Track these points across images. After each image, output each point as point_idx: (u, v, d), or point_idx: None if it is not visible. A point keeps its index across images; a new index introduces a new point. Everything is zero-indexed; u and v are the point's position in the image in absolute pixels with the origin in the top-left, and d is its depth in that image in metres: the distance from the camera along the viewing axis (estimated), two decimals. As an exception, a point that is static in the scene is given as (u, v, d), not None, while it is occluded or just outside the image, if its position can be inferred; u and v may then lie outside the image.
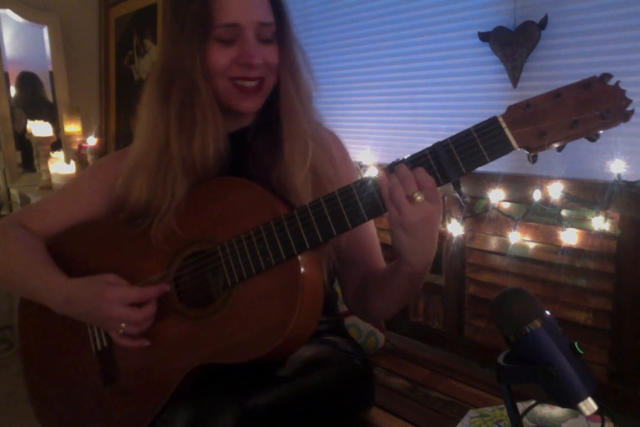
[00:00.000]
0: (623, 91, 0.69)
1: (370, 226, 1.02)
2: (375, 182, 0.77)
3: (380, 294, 0.93)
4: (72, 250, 1.03)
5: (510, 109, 0.72)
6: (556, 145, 0.72)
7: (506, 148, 0.72)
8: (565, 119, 0.70)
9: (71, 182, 1.14)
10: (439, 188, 0.76)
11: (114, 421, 0.93)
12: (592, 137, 0.71)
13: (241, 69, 0.88)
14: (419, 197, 0.74)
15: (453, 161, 0.73)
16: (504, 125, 0.71)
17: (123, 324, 0.87)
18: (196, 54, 0.85)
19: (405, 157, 0.77)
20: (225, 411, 0.78)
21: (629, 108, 0.69)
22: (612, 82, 0.70)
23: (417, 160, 0.76)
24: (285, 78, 0.92)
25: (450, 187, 0.75)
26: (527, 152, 0.73)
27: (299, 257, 0.82)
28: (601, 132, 0.71)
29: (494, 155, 0.72)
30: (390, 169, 0.77)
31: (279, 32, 0.90)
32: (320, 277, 0.85)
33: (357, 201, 0.78)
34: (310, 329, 0.84)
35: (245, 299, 0.84)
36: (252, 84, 0.90)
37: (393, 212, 0.76)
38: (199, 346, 0.86)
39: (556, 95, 0.71)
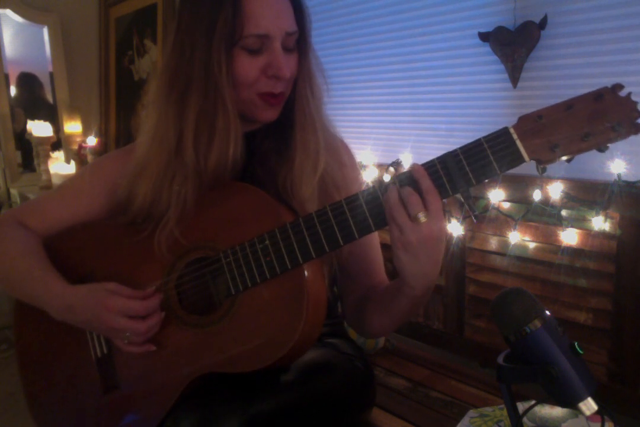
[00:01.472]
0: (635, 103, 0.68)
1: (374, 238, 0.99)
2: (383, 191, 0.75)
3: (378, 312, 0.90)
4: (70, 250, 1.01)
5: (522, 120, 0.70)
6: (566, 158, 0.71)
7: (517, 160, 0.70)
8: (577, 131, 0.68)
9: (71, 180, 1.12)
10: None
11: None
12: (602, 149, 0.70)
13: (269, 81, 0.86)
14: (422, 218, 0.71)
15: (463, 172, 0.71)
16: (515, 136, 0.70)
17: (128, 334, 0.86)
18: (223, 62, 0.82)
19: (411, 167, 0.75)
20: (229, 419, 0.77)
21: None
22: (623, 93, 0.68)
23: (427, 171, 0.73)
24: (303, 87, 0.91)
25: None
26: (537, 164, 0.72)
27: (304, 266, 0.80)
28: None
29: (504, 168, 0.70)
30: (396, 180, 0.74)
31: (300, 40, 0.89)
32: (323, 284, 0.83)
33: (364, 211, 0.76)
34: (314, 337, 0.83)
35: (249, 308, 0.83)
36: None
37: (395, 231, 0.73)
38: (201, 355, 0.85)
39: (568, 106, 0.69)
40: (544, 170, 0.72)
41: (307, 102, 0.90)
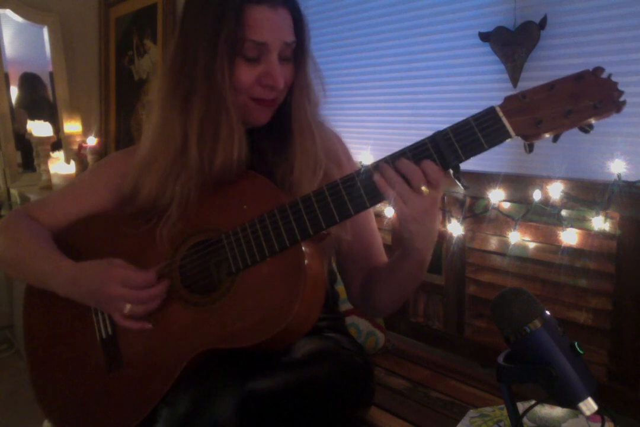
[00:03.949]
0: (615, 83, 0.71)
1: (372, 222, 1.05)
2: (375, 169, 0.79)
3: (387, 286, 0.95)
4: (78, 242, 1.05)
5: (507, 99, 0.75)
6: (551, 134, 0.74)
7: (503, 136, 0.74)
8: (560, 108, 0.72)
9: (79, 178, 1.18)
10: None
11: (117, 407, 0.93)
12: (586, 128, 0.73)
13: (263, 89, 0.91)
14: (424, 189, 0.76)
15: (452, 149, 0.75)
16: (501, 114, 0.74)
17: (129, 305, 0.88)
18: (226, 71, 0.87)
19: (406, 148, 0.79)
20: (226, 392, 0.78)
21: (622, 99, 0.71)
22: (605, 75, 0.72)
23: (418, 150, 0.77)
24: (299, 94, 0.95)
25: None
26: (524, 141, 0.75)
27: (303, 247, 0.82)
28: (594, 122, 0.72)
29: (492, 143, 0.74)
30: (391, 161, 0.79)
31: (297, 49, 0.93)
32: (321, 269, 0.86)
33: (359, 188, 0.79)
34: (312, 319, 0.85)
35: (249, 285, 0.85)
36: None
37: (400, 205, 0.77)
38: (202, 332, 0.87)
39: (550, 87, 0.73)
40: (531, 147, 0.75)
41: (303, 109, 0.94)
